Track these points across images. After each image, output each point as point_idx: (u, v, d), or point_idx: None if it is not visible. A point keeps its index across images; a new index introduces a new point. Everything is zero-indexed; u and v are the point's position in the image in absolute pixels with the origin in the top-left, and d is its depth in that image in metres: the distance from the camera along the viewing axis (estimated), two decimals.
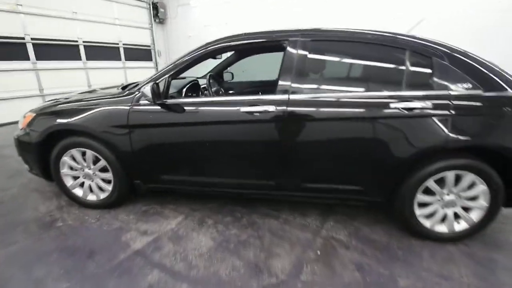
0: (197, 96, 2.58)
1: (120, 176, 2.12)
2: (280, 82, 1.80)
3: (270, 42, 1.91)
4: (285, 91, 1.78)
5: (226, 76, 3.35)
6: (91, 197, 2.26)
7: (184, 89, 2.38)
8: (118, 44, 7.29)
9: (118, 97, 2.04)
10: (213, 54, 2.01)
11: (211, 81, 2.47)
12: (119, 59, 7.41)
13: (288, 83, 1.78)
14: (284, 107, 1.75)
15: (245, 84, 3.33)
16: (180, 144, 1.98)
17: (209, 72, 3.00)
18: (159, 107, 1.92)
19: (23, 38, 5.41)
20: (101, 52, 6.90)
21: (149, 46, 8.31)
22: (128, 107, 1.95)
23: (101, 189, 2.23)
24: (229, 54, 3.04)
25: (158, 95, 1.86)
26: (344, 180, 1.89)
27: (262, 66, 3.80)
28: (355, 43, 1.79)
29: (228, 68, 3.24)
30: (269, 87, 3.14)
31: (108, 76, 7.09)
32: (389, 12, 5.42)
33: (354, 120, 1.73)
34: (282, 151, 1.85)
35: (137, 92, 1.97)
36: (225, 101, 1.93)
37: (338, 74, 2.00)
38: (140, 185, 2.15)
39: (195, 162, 2.03)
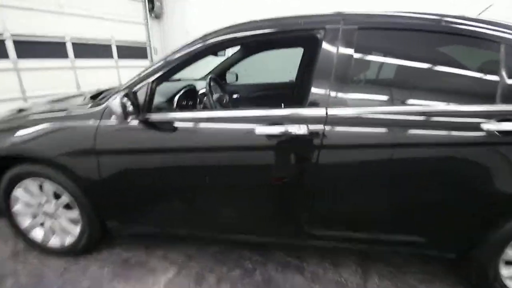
0: (194, 106, 2.01)
1: (89, 215, 1.57)
2: (313, 90, 1.23)
3: (296, 32, 1.34)
4: (321, 103, 1.22)
5: (229, 77, 2.78)
6: (55, 241, 1.70)
7: (176, 97, 1.81)
8: (110, 41, 6.70)
9: (83, 110, 1.48)
10: (214, 49, 1.45)
11: (212, 84, 1.91)
12: (111, 57, 6.81)
13: (325, 91, 1.22)
14: (321, 126, 1.20)
15: (253, 87, 2.75)
16: (169, 178, 1.43)
17: (209, 74, 2.44)
18: (138, 125, 1.36)
19: (2, 34, 4.84)
20: (91, 49, 6.27)
21: (144, 43, 7.69)
22: (95, 125, 1.39)
23: (66, 231, 1.68)
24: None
25: (136, 108, 1.31)
26: (401, 230, 1.34)
27: (263, 65, 3.24)
28: (424, 32, 1.22)
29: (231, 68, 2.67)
30: (285, 90, 2.57)
31: (99, 76, 6.48)
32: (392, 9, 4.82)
33: (424, 148, 1.17)
34: (316, 189, 1.30)
35: (106, 105, 1.41)
36: (233, 117, 1.34)
37: (399, 79, 1.34)
38: (116, 228, 1.60)
39: (190, 201, 1.48)
